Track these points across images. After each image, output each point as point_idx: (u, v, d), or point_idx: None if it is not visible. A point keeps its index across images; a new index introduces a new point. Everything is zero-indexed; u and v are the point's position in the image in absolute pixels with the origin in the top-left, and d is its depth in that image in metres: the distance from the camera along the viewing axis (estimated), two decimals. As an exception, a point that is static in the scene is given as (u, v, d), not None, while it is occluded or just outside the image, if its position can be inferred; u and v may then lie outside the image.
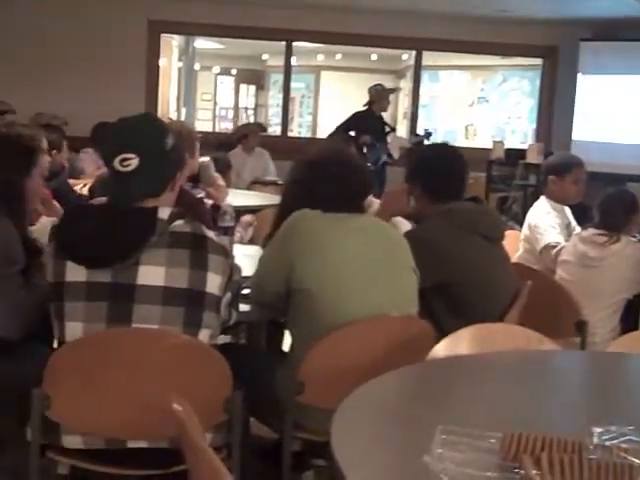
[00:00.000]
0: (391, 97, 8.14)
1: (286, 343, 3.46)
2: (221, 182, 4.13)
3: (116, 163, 2.11)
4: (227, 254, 2.22)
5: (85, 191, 5.04)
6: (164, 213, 2.11)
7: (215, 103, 13.61)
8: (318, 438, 2.42)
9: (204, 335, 2.15)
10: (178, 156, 2.28)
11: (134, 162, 2.11)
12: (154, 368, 2.07)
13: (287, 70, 8.46)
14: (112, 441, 2.11)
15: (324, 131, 11.71)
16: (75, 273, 2.09)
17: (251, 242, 4.58)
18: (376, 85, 7.81)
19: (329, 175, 2.52)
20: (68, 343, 2.09)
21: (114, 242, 2.08)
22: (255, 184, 6.95)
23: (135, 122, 2.25)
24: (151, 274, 2.07)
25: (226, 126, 13.06)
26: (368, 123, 7.47)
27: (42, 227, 2.94)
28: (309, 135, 12.33)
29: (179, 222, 2.14)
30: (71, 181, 5.16)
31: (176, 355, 2.07)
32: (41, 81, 7.87)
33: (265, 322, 3.15)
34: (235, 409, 2.13)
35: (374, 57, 11.87)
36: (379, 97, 7.63)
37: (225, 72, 13.83)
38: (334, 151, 2.74)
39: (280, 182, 7.06)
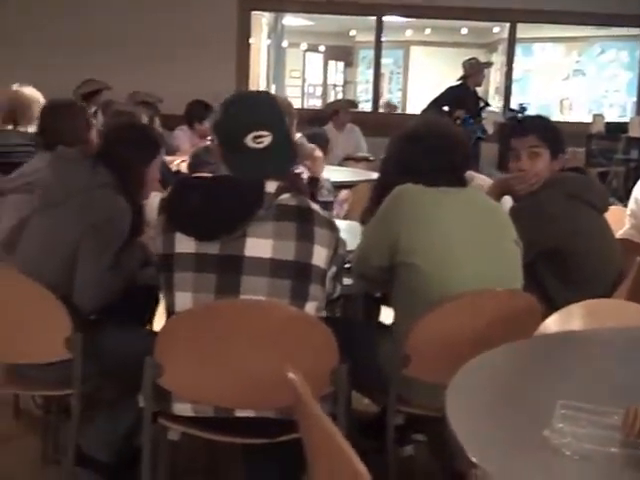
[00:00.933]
0: (485, 71, 7.99)
1: (382, 316, 3.47)
2: (318, 154, 4.12)
3: (248, 140, 2.13)
4: (333, 227, 2.22)
5: (183, 168, 5.13)
6: (271, 187, 2.13)
7: (304, 80, 13.63)
8: (421, 412, 2.42)
9: (310, 307, 2.16)
10: (293, 132, 2.31)
11: (267, 139, 2.13)
12: (262, 339, 2.09)
13: (377, 46, 8.39)
14: (221, 410, 2.15)
15: (413, 107, 11.62)
16: (184, 245, 2.13)
17: (346, 218, 4.58)
18: (471, 59, 7.69)
19: (430, 148, 2.49)
20: (179, 313, 2.13)
21: (222, 214, 2.11)
22: (347, 160, 6.94)
23: (264, 99, 2.29)
24: (258, 246, 2.09)
25: (314, 103, 13.09)
26: (462, 98, 7.36)
27: (150, 202, 3.01)
28: (399, 111, 12.22)
29: (285, 195, 2.16)
30: (167, 158, 5.25)
31: (284, 326, 2.09)
32: (137, 61, 8.02)
33: (362, 296, 3.15)
34: (341, 381, 2.14)
35: (464, 31, 11.67)
36: (474, 71, 7.50)
37: (313, 49, 13.82)
38: (434, 123, 2.69)
39: (372, 158, 7.05)
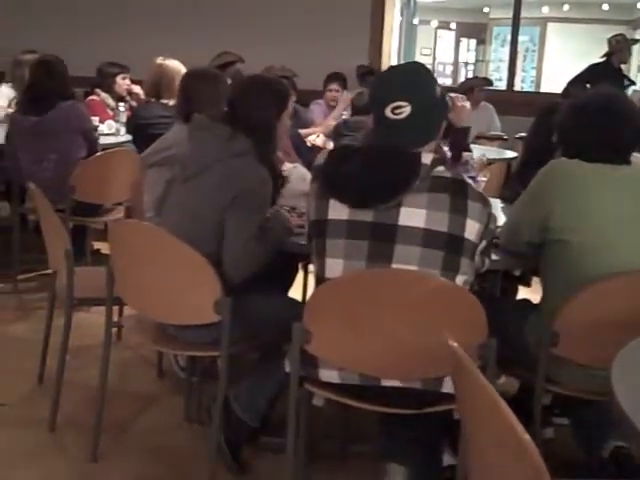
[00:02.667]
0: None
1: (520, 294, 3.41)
2: (461, 102, 4.04)
3: (387, 111, 2.13)
4: (486, 202, 2.18)
5: (318, 142, 5.18)
6: (427, 158, 2.12)
7: (434, 58, 13.46)
8: (568, 392, 2.36)
9: (460, 281, 2.14)
10: (445, 105, 2.27)
11: (406, 110, 2.12)
12: (412, 309, 2.09)
13: (515, 22, 8.16)
14: (367, 378, 2.16)
15: (548, 86, 11.27)
16: (337, 211, 2.14)
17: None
18: (616, 35, 7.38)
19: (598, 120, 2.39)
20: (330, 280, 2.15)
21: (379, 183, 2.11)
22: (480, 139, 6.80)
23: (406, 70, 2.28)
24: (412, 216, 2.09)
25: (444, 81, 12.89)
26: (606, 76, 7.06)
27: (287, 173, 3.04)
28: (532, 89, 11.90)
29: (440, 168, 2.14)
30: (302, 132, 5.31)
31: (435, 298, 2.08)
32: (271, 35, 8.11)
33: (500, 273, 3.09)
34: (490, 355, 2.11)
35: (605, 7, 11.22)
36: (620, 48, 7.20)
37: (444, 26, 13.62)
38: (605, 97, 2.50)
39: (506, 137, 6.89)
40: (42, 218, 3.14)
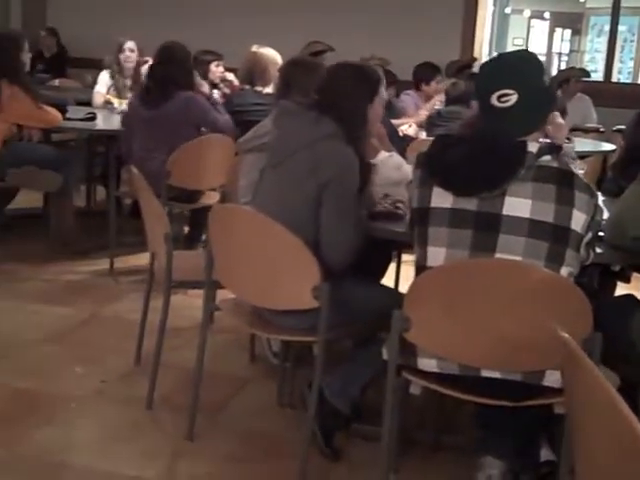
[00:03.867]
0: None
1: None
2: (560, 120, 3.97)
3: (493, 99, 2.11)
4: (592, 193, 2.13)
5: (410, 132, 5.15)
6: (533, 147, 2.09)
7: (526, 48, 13.19)
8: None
9: (564, 272, 2.10)
10: (553, 96, 2.23)
11: (513, 98, 2.10)
12: (516, 300, 2.05)
13: (615, 11, 7.93)
14: (466, 368, 2.14)
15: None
16: (441, 199, 2.12)
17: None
18: None
19: None
20: (432, 269, 2.13)
21: (484, 172, 2.08)
22: (575, 131, 6.65)
23: (514, 58, 2.24)
24: (517, 206, 2.05)
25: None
26: None
27: (381, 162, 3.02)
28: (629, 81, 11.55)
29: (546, 157, 2.10)
30: (394, 122, 5.28)
31: (540, 289, 2.04)
32: (363, 26, 8.09)
33: (599, 267, 3.02)
34: (594, 350, 2.06)
35: None
36: None
37: (538, 15, 13.33)
38: None
39: (602, 129, 6.72)
40: (142, 202, 3.21)
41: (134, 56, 5.81)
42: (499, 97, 2.11)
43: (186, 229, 4.89)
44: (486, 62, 2.32)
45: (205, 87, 4.55)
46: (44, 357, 3.40)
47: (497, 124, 2.13)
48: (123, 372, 3.30)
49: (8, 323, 3.74)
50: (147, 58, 5.47)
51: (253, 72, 4.89)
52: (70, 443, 2.72)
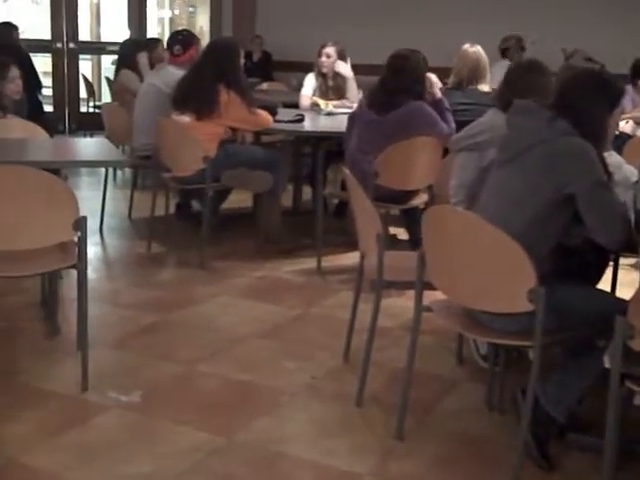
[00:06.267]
0: None
1: None
2: None
3: None
4: None
5: (627, 128, 4.92)
6: None
7: None
8: None
9: None
10: None
11: None
12: None
13: None
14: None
15: None
16: None
17: None
18: None
19: None
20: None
21: None
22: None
23: None
24: None
25: None
26: None
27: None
28: None
29: None
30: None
31: None
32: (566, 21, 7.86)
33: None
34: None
35: None
36: None
37: None
38: None
39: None
40: (354, 203, 3.27)
41: (329, 62, 5.90)
42: None
43: (391, 230, 4.93)
44: None
45: (437, 91, 4.52)
46: (258, 351, 3.56)
47: None
48: (332, 369, 3.38)
49: (224, 318, 3.94)
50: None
51: (466, 71, 4.84)
52: (285, 435, 2.82)
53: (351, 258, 4.67)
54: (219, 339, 3.66)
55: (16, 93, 4.69)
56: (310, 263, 4.76)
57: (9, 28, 7.68)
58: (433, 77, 4.52)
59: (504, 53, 7.64)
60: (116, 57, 8.57)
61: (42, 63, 8.90)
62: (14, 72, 4.65)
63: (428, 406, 3.05)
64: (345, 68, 5.90)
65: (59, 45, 10.24)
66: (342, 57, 5.88)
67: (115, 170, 7.31)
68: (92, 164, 4.58)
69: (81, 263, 3.08)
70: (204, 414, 2.94)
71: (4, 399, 2.99)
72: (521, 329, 2.48)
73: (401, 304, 3.76)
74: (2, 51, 6.39)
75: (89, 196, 5.86)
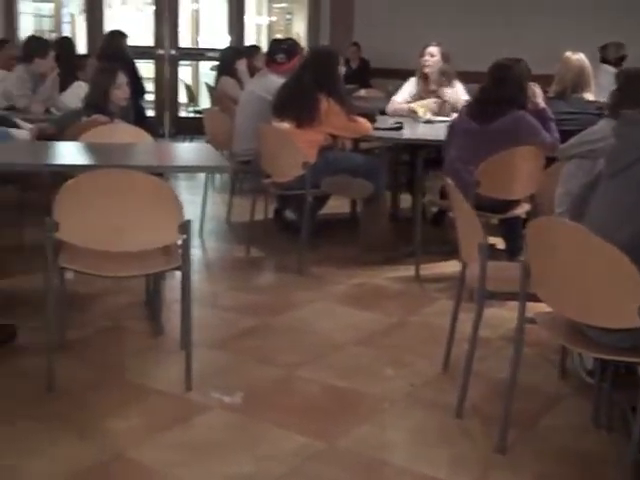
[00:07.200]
0: None
1: None
2: None
3: None
4: None
5: None
6: None
7: None
8: None
9: None
10: None
11: None
12: None
13: None
14: None
15: None
16: None
17: None
18: None
19: None
20: None
21: None
22: None
23: None
24: None
25: None
26: None
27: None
28: None
29: None
30: None
31: None
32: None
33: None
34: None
35: None
36: None
37: None
38: None
39: None
40: (457, 212, 3.25)
41: (433, 61, 5.83)
42: None
43: (490, 239, 4.87)
44: None
45: (540, 100, 4.45)
46: (357, 358, 3.57)
47: None
48: (431, 377, 3.36)
49: (322, 324, 3.97)
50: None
51: (570, 79, 4.75)
52: (385, 442, 2.82)
53: (449, 266, 4.64)
54: (317, 345, 3.69)
55: (123, 99, 4.84)
56: (408, 271, 4.75)
57: (118, 36, 7.94)
58: (536, 87, 4.45)
59: (604, 60, 7.47)
60: (214, 63, 8.76)
61: (145, 69, 9.15)
62: (122, 79, 4.81)
63: (531, 420, 2.99)
64: (455, 94, 5.82)
65: (161, 52, 10.52)
66: (446, 59, 5.82)
67: (214, 174, 7.45)
68: (198, 169, 4.69)
69: (185, 265, 3.15)
70: (304, 418, 2.96)
71: (112, 396, 3.09)
72: (629, 345, 2.41)
73: (501, 315, 3.71)
74: (110, 58, 6.62)
75: (188, 200, 5.96)
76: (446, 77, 5.83)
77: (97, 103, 4.71)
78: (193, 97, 10.22)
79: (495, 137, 4.24)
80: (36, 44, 6.29)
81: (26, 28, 10.42)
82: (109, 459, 2.64)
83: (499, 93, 4.29)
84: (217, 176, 7.61)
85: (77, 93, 5.61)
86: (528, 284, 2.69)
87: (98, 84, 4.80)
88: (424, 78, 5.92)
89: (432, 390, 3.25)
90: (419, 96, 5.94)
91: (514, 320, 2.75)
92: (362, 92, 8.11)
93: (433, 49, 5.83)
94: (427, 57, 5.83)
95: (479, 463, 2.71)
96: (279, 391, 3.21)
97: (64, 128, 4.61)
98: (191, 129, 8.91)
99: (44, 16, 12.36)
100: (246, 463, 2.64)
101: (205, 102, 9.94)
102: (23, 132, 4.67)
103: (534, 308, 2.74)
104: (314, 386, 3.25)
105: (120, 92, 4.80)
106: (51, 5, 12.46)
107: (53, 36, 10.38)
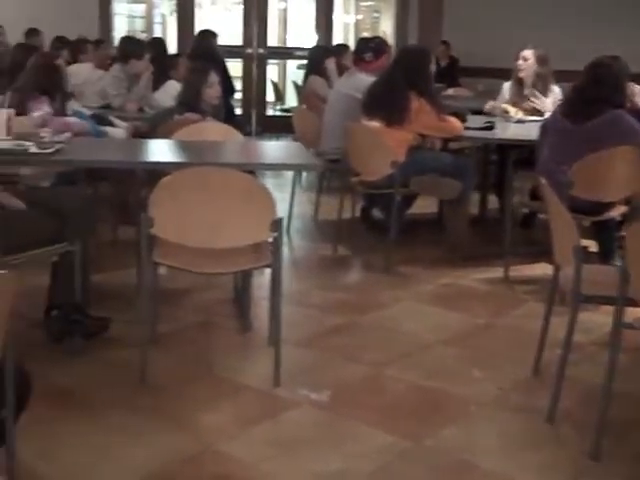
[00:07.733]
0: None
1: None
2: None
3: None
4: None
5: None
6: None
7: None
8: None
9: None
10: None
11: None
12: None
13: None
14: None
15: None
16: None
17: None
18: None
19: None
20: None
21: None
22: None
23: None
24: None
25: None
26: None
27: None
28: None
29: None
30: None
31: None
32: None
33: None
34: None
35: None
36: None
37: None
38: None
39: None
40: (551, 214, 3.18)
41: (526, 64, 5.74)
42: None
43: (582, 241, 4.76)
44: None
45: (639, 100, 4.32)
46: (444, 358, 3.54)
47: None
48: (520, 381, 3.31)
49: (410, 323, 3.95)
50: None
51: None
52: (473, 444, 2.79)
53: (539, 269, 4.57)
54: (405, 344, 3.67)
55: (215, 98, 4.92)
56: (496, 272, 4.68)
57: (209, 35, 8.08)
58: (635, 86, 4.32)
59: None
60: (302, 62, 8.81)
61: (233, 68, 9.29)
62: (213, 78, 4.88)
63: (626, 427, 2.91)
64: (543, 105, 5.71)
65: (249, 51, 10.65)
66: (542, 61, 5.69)
67: (301, 172, 7.50)
68: (289, 167, 4.71)
69: (276, 263, 3.19)
70: (392, 417, 2.96)
71: (203, 389, 3.15)
72: None
73: (595, 319, 3.62)
74: (201, 57, 6.74)
75: (275, 197, 6.02)
76: (542, 81, 5.72)
77: (190, 102, 4.79)
78: (280, 96, 10.31)
79: (591, 137, 4.14)
80: (132, 45, 6.45)
81: (120, 29, 10.71)
82: (201, 451, 2.69)
83: (596, 92, 4.18)
84: (304, 174, 7.66)
85: (170, 92, 5.73)
86: (627, 289, 2.62)
87: (191, 83, 4.89)
88: (518, 82, 5.83)
89: (521, 394, 3.20)
90: (512, 101, 5.84)
91: (608, 325, 2.69)
92: (450, 91, 8.04)
93: (527, 53, 5.72)
94: (520, 61, 5.74)
95: (571, 470, 2.65)
96: (366, 389, 3.21)
97: (157, 126, 4.72)
98: (278, 127, 9.01)
99: (137, 17, 12.68)
100: (334, 460, 2.65)
101: (291, 101, 10.02)
102: (119, 130, 4.80)
103: (631, 313, 2.67)
104: (401, 385, 3.24)
105: (212, 91, 4.87)
106: (143, 6, 12.78)
107: (145, 36, 10.63)
